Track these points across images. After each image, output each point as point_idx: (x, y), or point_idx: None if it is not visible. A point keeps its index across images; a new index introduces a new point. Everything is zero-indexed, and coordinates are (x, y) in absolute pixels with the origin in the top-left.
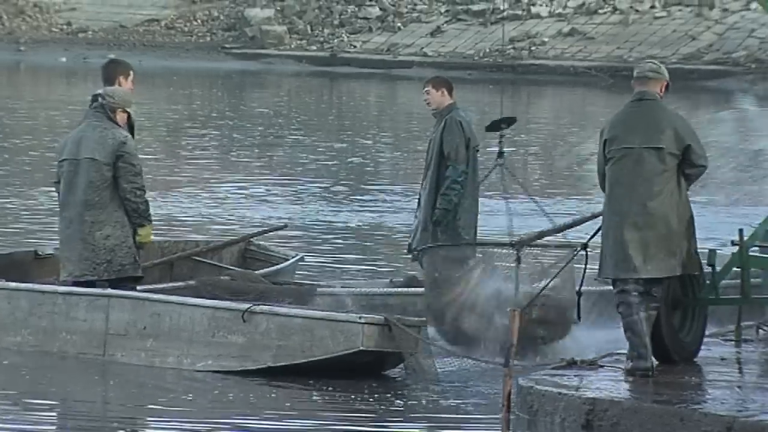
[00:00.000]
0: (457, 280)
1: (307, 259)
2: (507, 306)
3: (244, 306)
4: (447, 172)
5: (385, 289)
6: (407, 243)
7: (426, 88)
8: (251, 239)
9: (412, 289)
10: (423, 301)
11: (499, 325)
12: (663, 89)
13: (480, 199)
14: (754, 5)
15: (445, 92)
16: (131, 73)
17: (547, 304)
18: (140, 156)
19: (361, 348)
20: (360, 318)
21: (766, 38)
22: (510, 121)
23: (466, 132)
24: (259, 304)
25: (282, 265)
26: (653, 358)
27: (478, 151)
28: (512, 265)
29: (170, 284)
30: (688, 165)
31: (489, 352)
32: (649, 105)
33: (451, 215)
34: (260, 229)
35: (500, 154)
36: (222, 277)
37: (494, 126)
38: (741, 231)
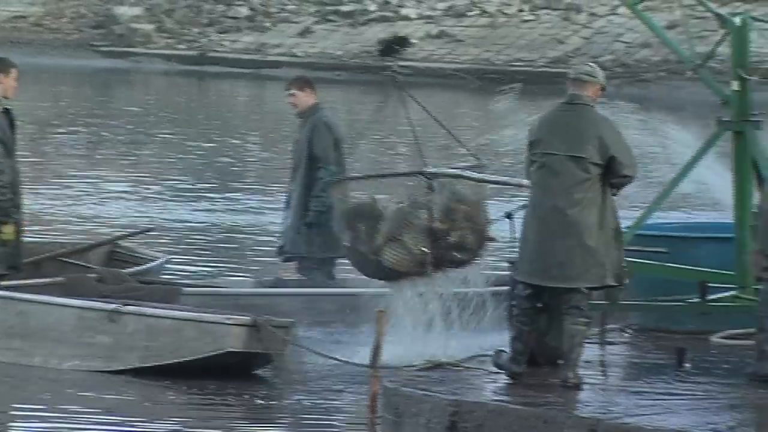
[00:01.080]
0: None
1: (174, 260)
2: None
3: (111, 306)
4: (319, 174)
5: (253, 290)
6: (276, 244)
7: (291, 91)
8: (118, 241)
9: (281, 289)
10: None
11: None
12: (597, 93)
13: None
14: (621, 10)
15: (309, 92)
16: (12, 71)
17: (465, 229)
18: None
19: (229, 349)
20: (228, 319)
21: (632, 43)
22: (402, 42)
23: (334, 133)
24: (127, 305)
25: (149, 265)
26: None
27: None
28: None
29: (37, 280)
30: (612, 175)
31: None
32: (579, 110)
33: (324, 217)
34: (127, 231)
35: (394, 74)
36: (90, 275)
37: (387, 49)
38: None
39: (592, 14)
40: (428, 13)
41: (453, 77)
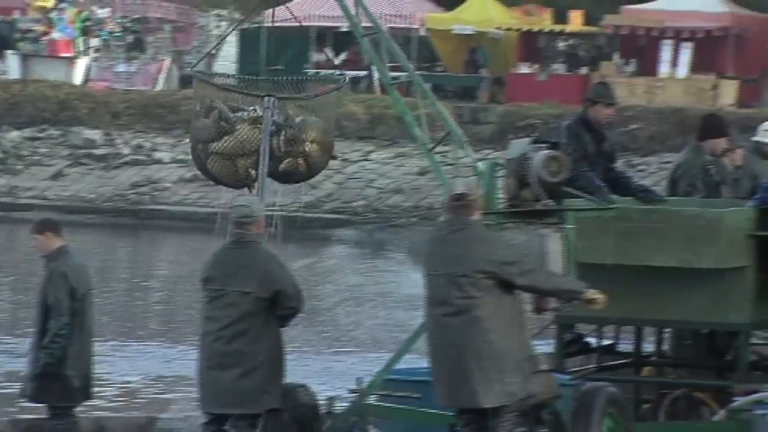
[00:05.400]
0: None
1: None
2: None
3: None
4: (49, 323)
5: None
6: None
7: (33, 235)
8: None
9: None
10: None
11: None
12: (261, 228)
13: None
14: (373, 156)
15: (51, 235)
16: None
17: (299, 157)
18: None
19: None
20: None
21: (384, 188)
22: None
23: (71, 281)
24: None
25: None
26: None
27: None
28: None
29: None
30: (279, 308)
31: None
32: (247, 247)
33: (55, 367)
34: None
35: None
36: None
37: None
38: (359, 379)
39: (345, 160)
40: (181, 157)
41: (206, 221)
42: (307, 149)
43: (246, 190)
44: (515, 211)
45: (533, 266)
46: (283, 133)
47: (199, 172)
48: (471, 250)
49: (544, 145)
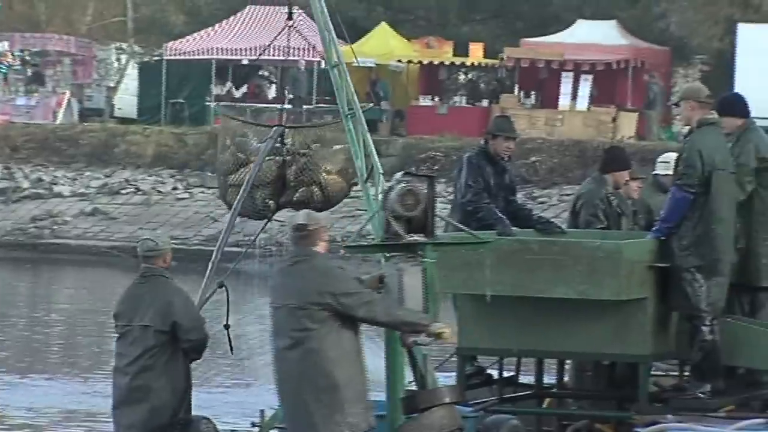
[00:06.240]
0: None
1: None
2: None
3: None
4: None
5: None
6: None
7: None
8: None
9: None
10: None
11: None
12: (168, 261)
13: None
14: None
15: None
16: None
17: (313, 186)
18: None
19: None
20: None
21: (285, 221)
22: None
23: None
24: None
25: None
26: None
27: None
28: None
29: None
30: (180, 341)
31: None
32: (153, 281)
33: None
34: None
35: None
36: None
37: None
38: (262, 411)
39: None
40: (82, 190)
41: (106, 254)
42: (323, 180)
43: (153, 224)
44: (381, 245)
45: (372, 298)
46: (294, 163)
47: (99, 206)
48: (307, 281)
49: (410, 177)
